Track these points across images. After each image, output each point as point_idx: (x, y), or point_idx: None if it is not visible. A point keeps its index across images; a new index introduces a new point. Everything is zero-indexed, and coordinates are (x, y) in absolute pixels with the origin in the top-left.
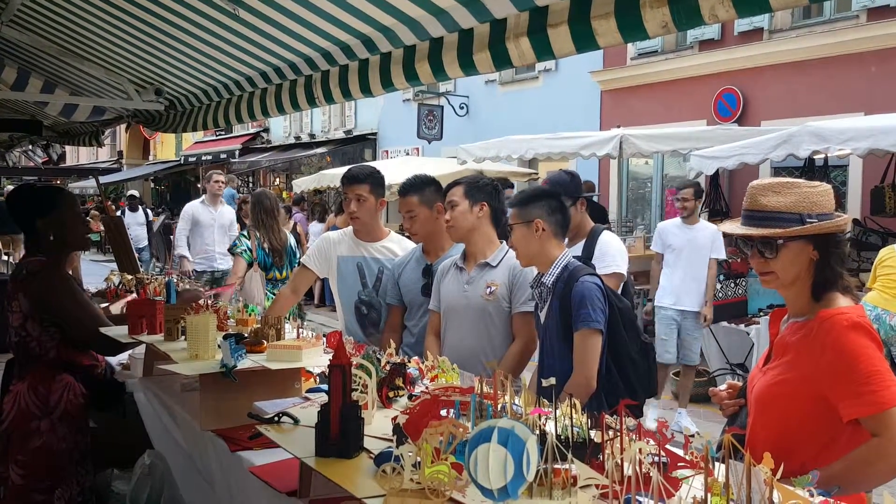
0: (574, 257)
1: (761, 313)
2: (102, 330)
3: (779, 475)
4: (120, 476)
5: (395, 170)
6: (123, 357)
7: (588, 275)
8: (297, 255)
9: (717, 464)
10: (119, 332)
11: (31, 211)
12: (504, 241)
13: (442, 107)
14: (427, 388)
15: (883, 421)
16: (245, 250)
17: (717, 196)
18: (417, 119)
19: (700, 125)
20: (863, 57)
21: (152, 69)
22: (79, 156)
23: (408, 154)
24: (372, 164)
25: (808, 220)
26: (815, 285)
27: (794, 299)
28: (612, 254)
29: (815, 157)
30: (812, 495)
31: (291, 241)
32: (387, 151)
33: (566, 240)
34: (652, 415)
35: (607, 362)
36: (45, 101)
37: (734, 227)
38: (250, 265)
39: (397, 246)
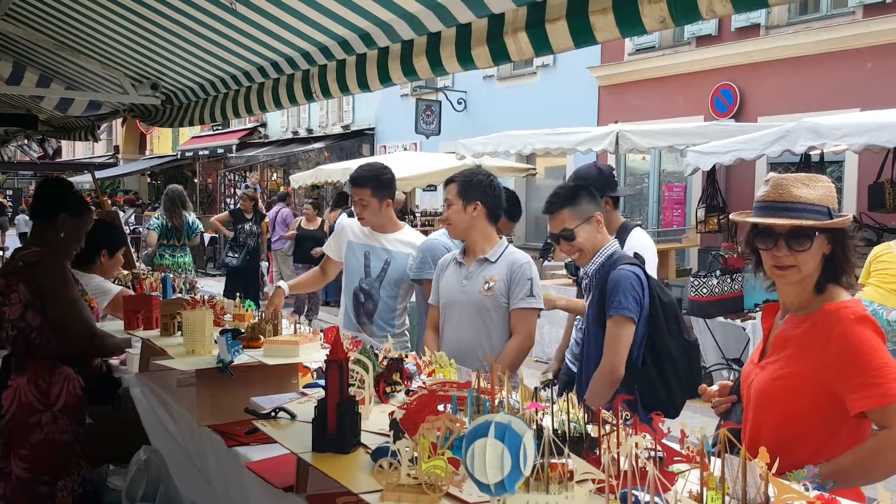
0: None
1: (757, 308)
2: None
3: (774, 469)
4: (116, 471)
5: (393, 165)
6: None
7: (629, 264)
8: (196, 229)
9: (712, 458)
10: (114, 327)
11: (63, 204)
12: (503, 237)
13: (440, 102)
14: (424, 383)
15: (893, 413)
16: (158, 226)
17: (715, 192)
18: (415, 114)
19: (697, 121)
20: (859, 53)
21: (149, 63)
22: (75, 150)
23: (406, 149)
24: (369, 159)
25: (834, 214)
26: (821, 279)
27: (798, 294)
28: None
29: (811, 152)
30: (807, 489)
31: (191, 219)
32: (385, 146)
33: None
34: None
35: (644, 355)
36: (41, 96)
37: (766, 218)
38: (160, 236)
39: (411, 238)
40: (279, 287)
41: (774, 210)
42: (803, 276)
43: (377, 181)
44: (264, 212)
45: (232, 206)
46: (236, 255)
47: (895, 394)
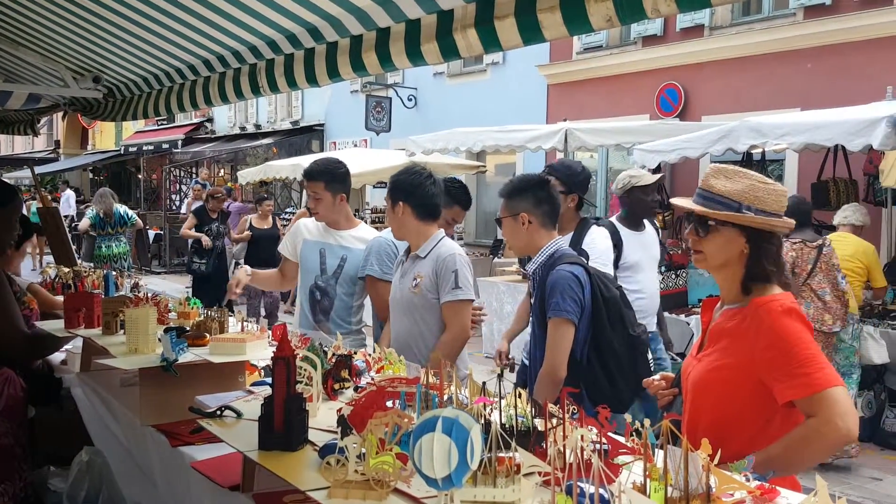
0: None
1: (701, 304)
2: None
3: (716, 460)
4: (57, 473)
5: (343, 161)
6: (61, 354)
7: (568, 263)
8: (128, 219)
9: (656, 450)
10: (54, 326)
11: None
12: (441, 230)
13: (390, 98)
14: (373, 379)
15: (818, 402)
16: (92, 216)
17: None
18: (365, 110)
19: (643, 119)
20: (799, 54)
21: (90, 55)
22: (14, 145)
23: (356, 146)
24: (319, 155)
25: (745, 210)
26: (745, 279)
27: (727, 286)
28: (595, 254)
29: (752, 151)
30: (748, 479)
31: (121, 210)
32: (335, 143)
33: (556, 228)
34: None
35: (588, 353)
36: None
37: (684, 201)
38: (92, 224)
39: (367, 235)
40: (243, 267)
41: (697, 196)
42: (712, 264)
43: (331, 175)
44: (228, 209)
45: (192, 207)
46: (204, 261)
47: (820, 384)
